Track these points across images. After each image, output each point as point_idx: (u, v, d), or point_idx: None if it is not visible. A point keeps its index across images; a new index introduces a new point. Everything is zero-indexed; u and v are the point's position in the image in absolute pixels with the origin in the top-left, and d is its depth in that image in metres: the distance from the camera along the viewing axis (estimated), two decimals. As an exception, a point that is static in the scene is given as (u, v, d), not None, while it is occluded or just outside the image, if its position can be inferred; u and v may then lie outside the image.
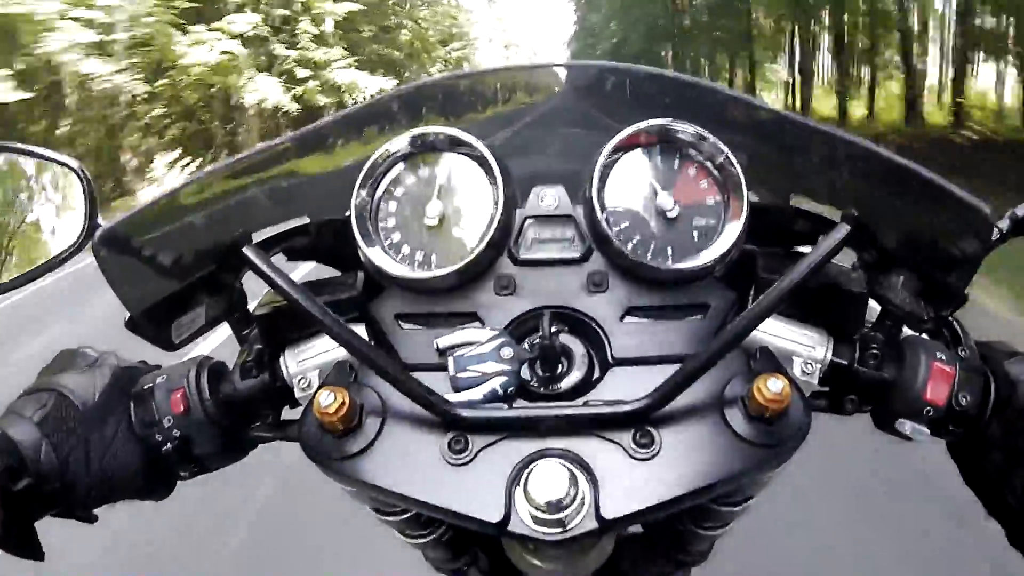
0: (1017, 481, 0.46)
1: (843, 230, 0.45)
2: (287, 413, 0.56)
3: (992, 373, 0.48)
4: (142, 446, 0.51)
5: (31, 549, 0.47)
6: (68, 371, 0.52)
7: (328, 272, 0.59)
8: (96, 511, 0.52)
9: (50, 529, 0.49)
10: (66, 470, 0.48)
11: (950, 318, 0.51)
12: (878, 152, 0.42)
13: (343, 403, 0.44)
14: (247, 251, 0.48)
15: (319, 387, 0.49)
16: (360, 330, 0.52)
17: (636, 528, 0.63)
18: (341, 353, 0.51)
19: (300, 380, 0.53)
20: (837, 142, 0.44)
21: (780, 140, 0.50)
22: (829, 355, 0.51)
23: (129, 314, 0.46)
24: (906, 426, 0.49)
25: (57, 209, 0.56)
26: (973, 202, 0.40)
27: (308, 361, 0.53)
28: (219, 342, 0.66)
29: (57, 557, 0.51)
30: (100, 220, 0.51)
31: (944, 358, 0.49)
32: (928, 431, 0.49)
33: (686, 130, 0.51)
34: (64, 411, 0.49)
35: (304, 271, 0.61)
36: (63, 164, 0.54)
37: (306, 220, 0.56)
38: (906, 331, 0.51)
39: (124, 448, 0.51)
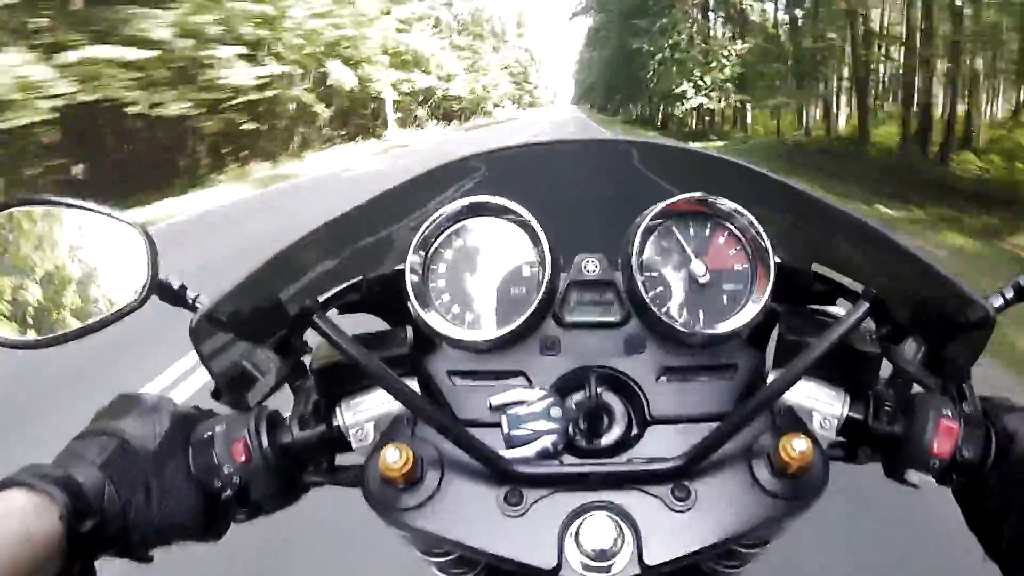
0: (1011, 526, 0.51)
1: (863, 307, 0.50)
2: (340, 459, 0.60)
3: (993, 427, 0.53)
4: (201, 491, 0.54)
5: None
6: (128, 416, 0.55)
7: (374, 320, 0.63)
8: (152, 551, 0.54)
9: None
10: (128, 512, 0.50)
11: None
12: (893, 239, 0.47)
13: (408, 460, 0.48)
14: (316, 319, 0.51)
15: (381, 442, 0.52)
16: (413, 383, 0.55)
17: None
18: (395, 406, 0.55)
19: (356, 431, 0.56)
20: (857, 225, 0.49)
21: (805, 216, 0.55)
22: (845, 411, 0.55)
23: (215, 385, 0.50)
24: (914, 476, 0.54)
25: (116, 267, 0.58)
26: (972, 297, 0.45)
27: (364, 413, 0.56)
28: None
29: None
30: (161, 277, 0.54)
31: (950, 414, 0.53)
32: (934, 481, 0.54)
33: (718, 202, 0.55)
34: (126, 455, 0.52)
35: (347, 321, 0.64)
36: (128, 223, 0.57)
37: (360, 278, 0.59)
38: (916, 387, 0.56)
39: (183, 493, 0.53)
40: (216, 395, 0.51)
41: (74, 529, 0.47)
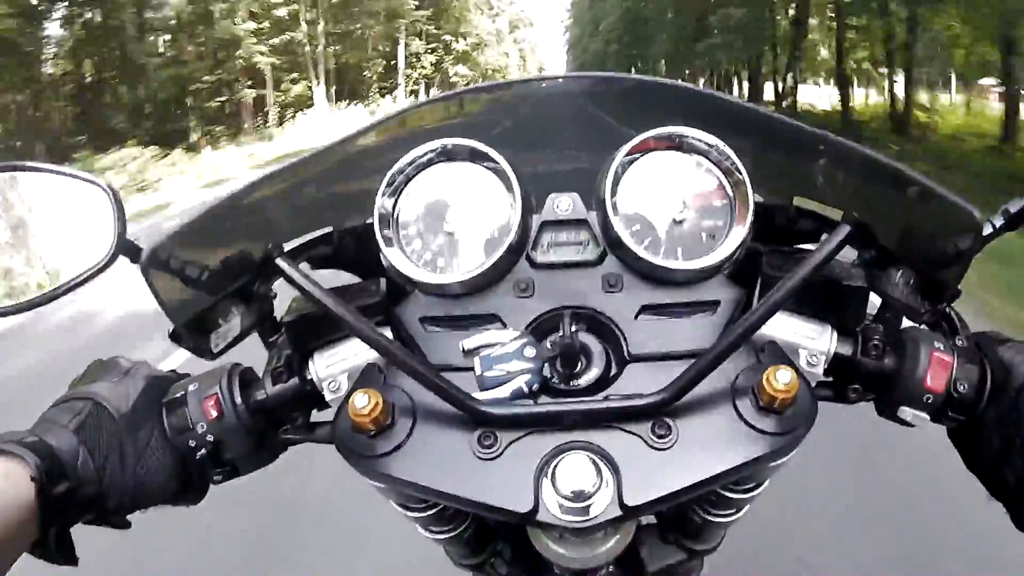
0: (1014, 463, 0.48)
1: (844, 231, 0.48)
2: (316, 415, 0.58)
3: (987, 361, 0.51)
4: (176, 452, 0.53)
5: (66, 555, 0.48)
6: (102, 380, 0.54)
7: (348, 278, 0.61)
8: (129, 517, 0.53)
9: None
10: (103, 476, 0.49)
11: (947, 309, 0.54)
12: (874, 157, 0.45)
13: (376, 404, 0.46)
14: (280, 262, 0.50)
15: (351, 390, 0.51)
16: (386, 332, 0.54)
17: (651, 518, 0.66)
18: (369, 356, 0.53)
19: (330, 383, 0.55)
20: (836, 146, 0.47)
21: (782, 144, 0.53)
22: (833, 347, 0.53)
23: (172, 326, 0.48)
24: (907, 413, 0.52)
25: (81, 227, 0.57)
26: (961, 205, 0.43)
27: (337, 365, 0.55)
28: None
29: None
30: (129, 238, 0.53)
31: (942, 347, 0.51)
32: (928, 417, 0.52)
33: (694, 136, 0.53)
34: (100, 419, 0.51)
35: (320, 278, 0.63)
36: (91, 182, 0.56)
37: (329, 229, 0.58)
38: (906, 322, 0.54)
39: (158, 454, 0.52)
40: (174, 337, 0.50)
41: (47, 493, 0.46)
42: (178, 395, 0.54)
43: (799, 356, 0.53)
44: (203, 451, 0.53)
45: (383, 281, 0.55)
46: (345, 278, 0.63)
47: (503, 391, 0.49)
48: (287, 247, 0.55)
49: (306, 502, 2.37)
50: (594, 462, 0.45)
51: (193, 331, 0.49)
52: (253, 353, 0.62)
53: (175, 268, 0.46)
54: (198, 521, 1.83)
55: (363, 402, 0.46)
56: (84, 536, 0.51)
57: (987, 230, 0.49)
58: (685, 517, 0.62)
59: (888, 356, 0.53)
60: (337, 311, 0.48)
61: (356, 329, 0.49)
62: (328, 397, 0.55)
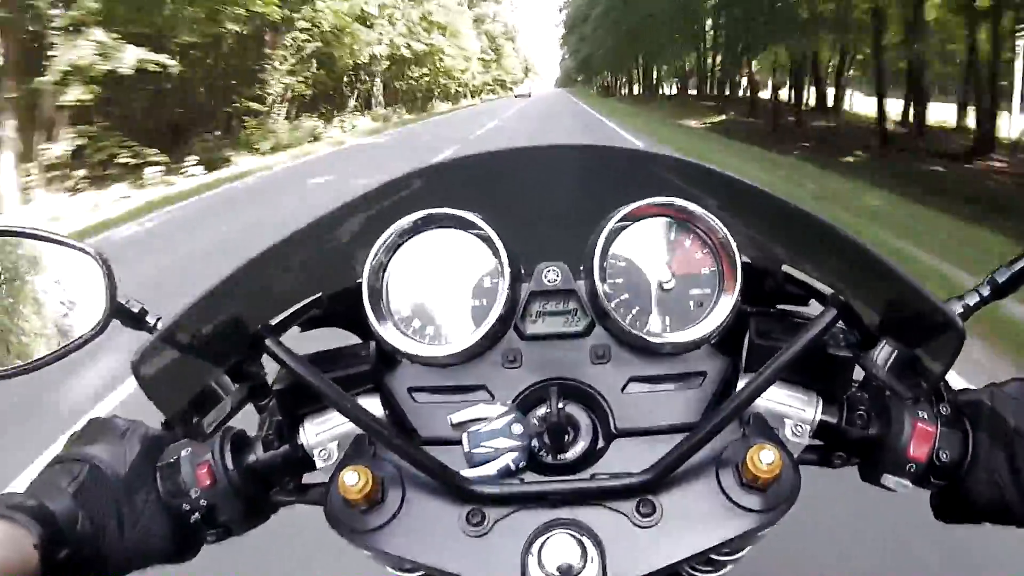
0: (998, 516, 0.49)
1: (831, 313, 0.49)
2: (306, 477, 0.59)
3: (971, 425, 0.52)
4: (170, 515, 0.54)
5: None
6: (99, 442, 0.55)
7: (340, 334, 0.62)
8: None
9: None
10: (101, 540, 0.50)
11: None
12: (860, 244, 0.45)
13: (367, 482, 0.47)
14: (269, 343, 0.51)
15: (341, 464, 0.52)
16: (375, 401, 0.54)
17: None
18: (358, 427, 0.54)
19: (320, 451, 0.56)
20: (825, 229, 0.47)
21: (772, 220, 0.53)
22: (818, 416, 0.54)
23: (165, 417, 0.49)
24: (891, 480, 0.53)
25: (72, 296, 0.58)
26: (940, 306, 0.43)
27: (326, 432, 0.56)
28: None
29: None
30: (121, 301, 0.54)
31: (926, 416, 0.52)
32: (911, 484, 0.53)
33: (683, 205, 0.53)
34: (97, 482, 0.52)
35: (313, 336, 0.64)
36: (81, 250, 0.56)
37: (318, 295, 0.58)
38: None
39: (154, 517, 0.54)
40: (167, 426, 0.51)
41: (49, 559, 0.47)
42: (172, 460, 0.55)
43: (784, 426, 0.54)
44: (197, 515, 0.54)
45: (372, 345, 0.56)
46: (340, 332, 0.64)
47: (491, 468, 0.49)
48: (276, 319, 0.55)
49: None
50: (579, 540, 0.46)
51: (187, 418, 0.49)
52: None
53: (168, 361, 0.46)
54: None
55: (353, 480, 0.47)
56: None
57: (974, 299, 0.49)
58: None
59: (873, 425, 0.54)
60: (323, 390, 0.49)
61: (341, 407, 0.49)
62: (319, 464, 0.56)
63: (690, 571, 0.61)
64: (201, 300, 0.46)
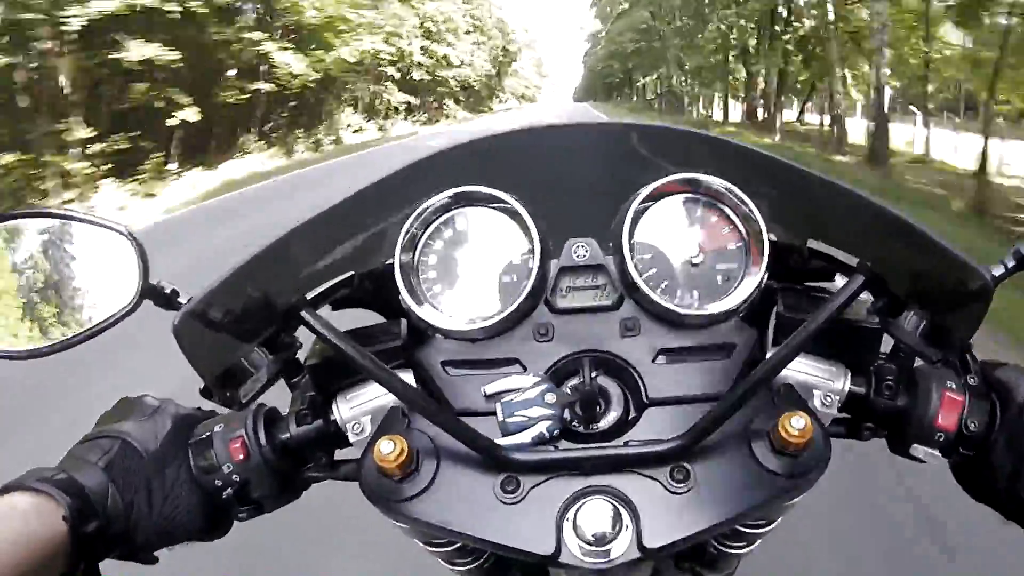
0: None
1: (858, 281, 0.49)
2: (339, 454, 0.60)
3: (998, 396, 0.52)
4: (202, 491, 0.54)
5: None
6: (130, 419, 0.55)
7: (370, 316, 0.62)
8: (156, 553, 0.55)
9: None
10: (131, 514, 0.51)
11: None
12: (887, 209, 0.46)
13: (402, 451, 0.48)
14: (305, 314, 0.51)
15: (376, 435, 0.52)
16: (408, 376, 0.55)
17: None
18: (391, 399, 0.55)
19: (354, 425, 0.56)
20: (850, 197, 0.48)
21: (796, 191, 0.54)
22: (847, 387, 0.55)
23: (204, 383, 0.49)
24: (919, 451, 0.53)
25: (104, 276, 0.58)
26: (971, 265, 0.43)
27: (360, 407, 0.56)
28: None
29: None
30: (152, 282, 0.54)
31: (954, 386, 0.52)
32: (940, 454, 0.53)
33: (709, 181, 0.54)
34: (128, 457, 0.52)
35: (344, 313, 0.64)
36: (114, 229, 0.57)
37: (351, 274, 0.59)
38: (918, 360, 0.55)
39: (185, 493, 0.54)
40: (206, 393, 0.51)
41: (78, 531, 0.47)
42: (204, 436, 0.55)
43: (813, 396, 0.54)
44: (229, 490, 0.54)
45: (404, 323, 0.57)
46: (369, 314, 0.65)
47: (524, 436, 0.50)
48: (310, 295, 0.56)
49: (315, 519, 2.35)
50: (614, 506, 0.47)
51: (222, 385, 0.50)
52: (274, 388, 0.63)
53: (205, 329, 0.47)
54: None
55: (389, 448, 0.48)
56: (112, 569, 0.52)
57: (999, 271, 0.49)
58: (701, 548, 0.63)
59: (901, 395, 0.54)
60: (360, 361, 0.50)
61: (379, 377, 0.50)
62: (352, 439, 0.56)
63: (718, 547, 0.61)
64: (236, 272, 0.47)
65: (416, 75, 31.69)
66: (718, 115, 28.58)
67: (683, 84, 33.76)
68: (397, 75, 28.77)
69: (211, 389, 0.49)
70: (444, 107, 40.04)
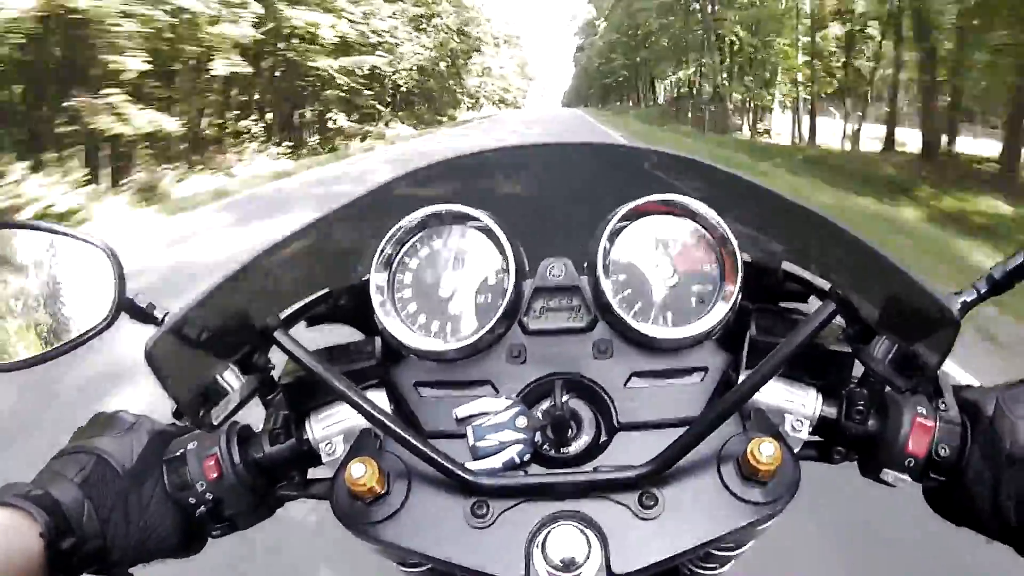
0: (1006, 501, 0.49)
1: (829, 307, 0.49)
2: (312, 472, 0.60)
3: (970, 421, 0.52)
4: (177, 508, 0.54)
5: None
6: (106, 434, 0.55)
7: (346, 330, 0.62)
8: (132, 570, 0.55)
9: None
10: (106, 530, 0.51)
11: None
12: (858, 239, 0.46)
13: (372, 474, 0.48)
14: (279, 336, 0.51)
15: (348, 456, 0.52)
16: (381, 395, 0.55)
17: None
18: (364, 420, 0.55)
19: (326, 445, 0.56)
20: (824, 224, 0.48)
21: (772, 215, 0.54)
22: (818, 411, 0.55)
23: (176, 406, 0.49)
24: (890, 475, 0.53)
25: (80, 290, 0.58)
26: (936, 297, 0.43)
27: (332, 427, 0.56)
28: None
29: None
30: (129, 296, 0.54)
31: (924, 412, 0.53)
32: (909, 479, 0.53)
33: (685, 202, 0.54)
34: (104, 474, 0.52)
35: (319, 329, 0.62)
36: (91, 243, 0.56)
37: (326, 290, 0.59)
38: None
39: (160, 510, 0.54)
40: (177, 415, 0.51)
41: (54, 547, 0.47)
42: (178, 453, 0.55)
43: (784, 421, 0.55)
44: (203, 508, 0.54)
45: (378, 341, 0.57)
46: (344, 329, 0.64)
47: (495, 461, 0.50)
48: (286, 312, 0.56)
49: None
50: (583, 532, 0.47)
51: (195, 406, 0.50)
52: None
53: (180, 349, 0.47)
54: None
55: (360, 472, 0.48)
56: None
57: (971, 296, 0.49)
58: (674, 571, 0.63)
59: (872, 419, 0.54)
60: (332, 383, 0.50)
61: (350, 400, 0.50)
62: (324, 459, 0.56)
63: (691, 568, 0.61)
64: (211, 292, 0.47)
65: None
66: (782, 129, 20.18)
67: (724, 81, 22.42)
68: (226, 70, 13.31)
69: (183, 410, 0.49)
70: (332, 122, 21.49)
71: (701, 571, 0.61)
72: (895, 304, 0.48)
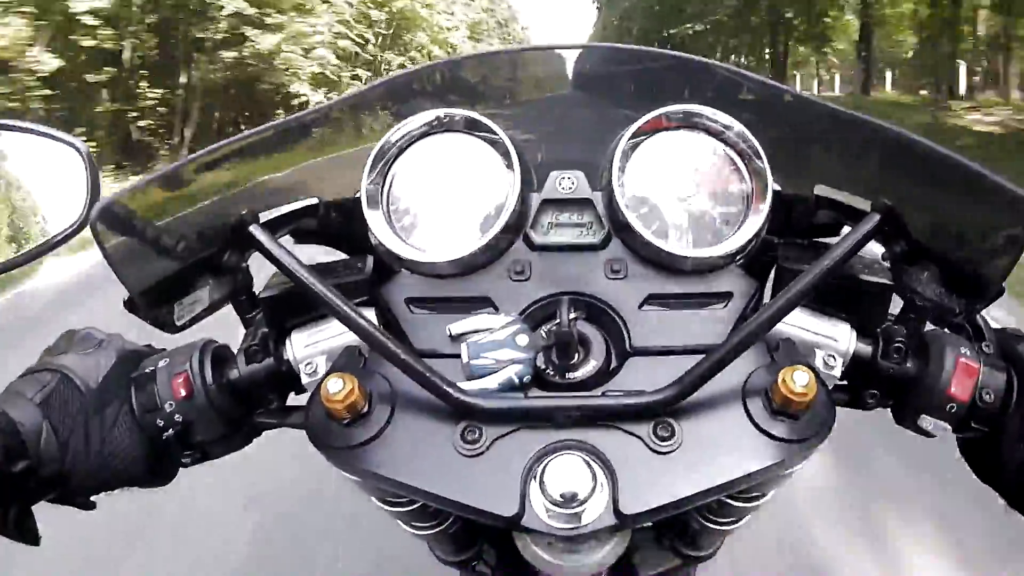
0: None
1: (873, 220, 0.44)
2: (293, 399, 0.55)
3: (1014, 368, 0.47)
4: (143, 432, 0.50)
5: (27, 533, 0.46)
6: (72, 352, 0.51)
7: (336, 256, 0.58)
8: (95, 498, 0.50)
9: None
10: (66, 454, 0.47)
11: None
12: (912, 139, 0.41)
13: (352, 390, 0.43)
14: (254, 230, 0.46)
15: (327, 373, 0.48)
16: (370, 314, 0.50)
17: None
18: (350, 338, 0.50)
19: (307, 365, 0.51)
20: (868, 128, 0.43)
21: (807, 126, 0.49)
22: (852, 348, 0.49)
23: (128, 294, 0.45)
24: (928, 422, 0.48)
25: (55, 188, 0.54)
26: (1013, 190, 0.38)
27: (315, 346, 0.51)
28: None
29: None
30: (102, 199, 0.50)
31: (969, 353, 0.47)
32: (950, 428, 0.48)
33: (710, 116, 0.49)
34: (66, 393, 0.48)
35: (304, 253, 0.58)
36: (65, 142, 0.52)
37: (315, 201, 0.54)
38: (928, 325, 0.50)
39: (125, 433, 0.49)
40: (130, 306, 0.46)
41: (6, 470, 0.43)
42: (147, 370, 0.50)
43: (815, 356, 0.49)
44: (171, 431, 0.50)
45: (370, 259, 0.52)
46: (331, 254, 0.60)
47: (491, 381, 0.45)
48: (267, 216, 0.51)
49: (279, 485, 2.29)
50: (588, 464, 0.41)
51: (153, 301, 0.45)
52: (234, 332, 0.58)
53: (133, 228, 0.41)
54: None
55: (337, 387, 0.43)
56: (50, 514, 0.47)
57: None
58: (683, 522, 0.58)
59: (910, 360, 0.49)
60: (315, 287, 0.45)
61: (334, 308, 0.45)
62: (304, 380, 0.51)
63: (702, 521, 0.56)
64: (179, 168, 0.42)
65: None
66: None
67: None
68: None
69: (136, 300, 0.44)
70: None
71: (713, 525, 0.55)
72: (955, 213, 0.42)
